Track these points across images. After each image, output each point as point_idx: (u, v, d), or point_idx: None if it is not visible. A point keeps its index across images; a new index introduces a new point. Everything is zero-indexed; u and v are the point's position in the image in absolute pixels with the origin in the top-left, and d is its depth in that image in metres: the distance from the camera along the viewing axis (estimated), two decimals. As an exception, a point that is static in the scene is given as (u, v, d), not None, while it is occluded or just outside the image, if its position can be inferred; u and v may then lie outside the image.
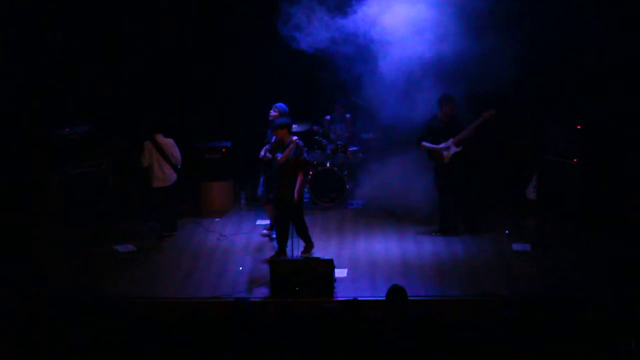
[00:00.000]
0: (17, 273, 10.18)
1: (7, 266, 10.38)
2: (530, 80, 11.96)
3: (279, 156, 10.30)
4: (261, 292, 9.67)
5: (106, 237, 11.57)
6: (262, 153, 11.06)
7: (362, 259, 10.75)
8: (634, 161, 11.67)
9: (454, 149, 11.14)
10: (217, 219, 12.42)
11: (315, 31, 11.37)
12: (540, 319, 7.51)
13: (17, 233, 11.45)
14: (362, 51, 11.56)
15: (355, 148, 13.26)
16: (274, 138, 10.61)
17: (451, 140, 11.13)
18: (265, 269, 9.92)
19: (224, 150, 12.87)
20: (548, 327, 7.25)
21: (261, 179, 11.33)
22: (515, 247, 10.89)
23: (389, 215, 12.27)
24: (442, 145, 11.16)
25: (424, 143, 11.26)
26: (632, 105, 11.80)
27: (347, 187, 12.86)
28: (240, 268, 10.46)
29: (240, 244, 11.41)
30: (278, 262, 9.72)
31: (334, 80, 12.15)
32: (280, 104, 11.12)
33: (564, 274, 10.01)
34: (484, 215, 11.80)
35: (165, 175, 11.44)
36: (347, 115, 13.27)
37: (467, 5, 11.08)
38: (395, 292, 7.41)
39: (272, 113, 11.09)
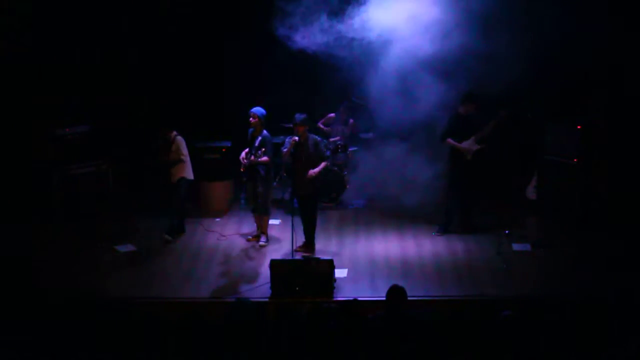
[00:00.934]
0: (17, 273, 10.18)
1: (7, 266, 10.38)
2: (530, 79, 11.96)
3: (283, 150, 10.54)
4: (261, 292, 9.67)
5: (106, 237, 11.58)
6: (243, 156, 11.06)
7: (362, 259, 10.76)
8: (634, 161, 11.68)
9: (475, 147, 11.15)
10: (217, 219, 12.43)
11: (314, 31, 11.34)
12: (540, 319, 7.51)
13: (17, 233, 11.45)
14: (364, 51, 11.55)
15: (355, 148, 13.27)
16: (256, 140, 10.78)
17: (472, 138, 11.14)
18: (265, 269, 9.92)
19: (224, 150, 12.86)
20: (548, 327, 7.25)
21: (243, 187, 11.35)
22: (515, 247, 10.90)
23: (389, 215, 12.27)
24: (465, 144, 11.17)
25: (449, 140, 11.27)
26: (632, 105, 11.80)
27: (347, 187, 12.86)
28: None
29: (240, 244, 11.41)
30: (278, 262, 9.72)
31: (337, 79, 12.13)
32: (257, 108, 10.95)
33: (564, 274, 10.02)
34: (486, 216, 11.81)
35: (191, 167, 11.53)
36: (351, 121, 13.23)
37: (469, 4, 11.07)
38: (395, 292, 7.40)
39: (252, 120, 10.91)
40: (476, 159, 11.19)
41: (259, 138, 10.92)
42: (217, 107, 13.93)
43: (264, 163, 10.89)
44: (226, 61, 13.80)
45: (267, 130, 10.99)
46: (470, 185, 11.34)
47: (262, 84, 13.34)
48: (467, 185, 11.32)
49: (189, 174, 11.47)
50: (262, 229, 11.34)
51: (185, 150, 11.35)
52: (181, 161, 11.32)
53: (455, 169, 11.32)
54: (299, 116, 10.60)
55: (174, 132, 11.35)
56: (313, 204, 10.86)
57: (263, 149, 10.87)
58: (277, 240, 11.44)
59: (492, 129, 11.13)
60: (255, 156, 10.87)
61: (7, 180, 12.18)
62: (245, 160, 10.99)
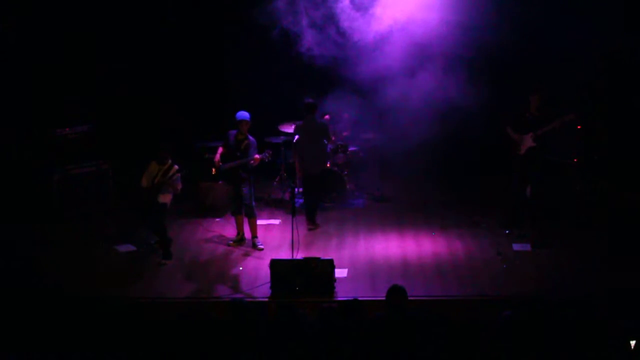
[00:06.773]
0: (17, 273, 10.18)
1: (7, 266, 10.38)
2: (530, 79, 11.97)
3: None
4: (261, 292, 9.67)
5: (106, 237, 11.57)
6: (217, 158, 11.00)
7: (362, 259, 10.76)
8: (634, 160, 11.69)
9: (529, 143, 11.11)
10: (217, 219, 12.42)
11: (313, 32, 11.37)
12: (541, 319, 7.50)
13: (17, 233, 11.46)
14: (361, 50, 11.56)
15: (355, 148, 13.26)
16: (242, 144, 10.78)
17: (531, 134, 11.12)
18: (265, 269, 9.93)
19: (224, 150, 12.85)
20: (548, 327, 7.25)
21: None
22: (515, 247, 10.90)
23: (389, 215, 12.29)
24: (523, 137, 11.15)
25: (508, 128, 11.28)
26: (632, 105, 11.82)
27: (347, 187, 12.86)
28: (241, 268, 10.48)
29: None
30: (278, 262, 9.72)
31: (334, 79, 12.14)
32: (243, 112, 10.83)
33: (564, 274, 10.03)
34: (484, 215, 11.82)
35: None
36: (346, 116, 13.24)
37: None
38: (395, 292, 7.39)
39: (246, 125, 10.78)
40: (530, 155, 11.12)
41: (246, 142, 10.84)
42: (217, 107, 13.93)
43: (256, 162, 10.75)
44: (226, 60, 13.80)
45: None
46: (536, 177, 11.29)
47: (262, 84, 13.35)
48: (526, 180, 11.30)
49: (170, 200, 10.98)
50: (254, 232, 11.18)
51: (180, 185, 10.79)
52: (174, 190, 10.74)
53: (511, 160, 11.32)
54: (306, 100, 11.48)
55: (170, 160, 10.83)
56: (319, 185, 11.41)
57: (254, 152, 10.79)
58: (277, 240, 11.44)
59: (552, 130, 11.08)
60: (242, 158, 10.77)
61: (7, 180, 12.19)
62: (221, 164, 10.87)
